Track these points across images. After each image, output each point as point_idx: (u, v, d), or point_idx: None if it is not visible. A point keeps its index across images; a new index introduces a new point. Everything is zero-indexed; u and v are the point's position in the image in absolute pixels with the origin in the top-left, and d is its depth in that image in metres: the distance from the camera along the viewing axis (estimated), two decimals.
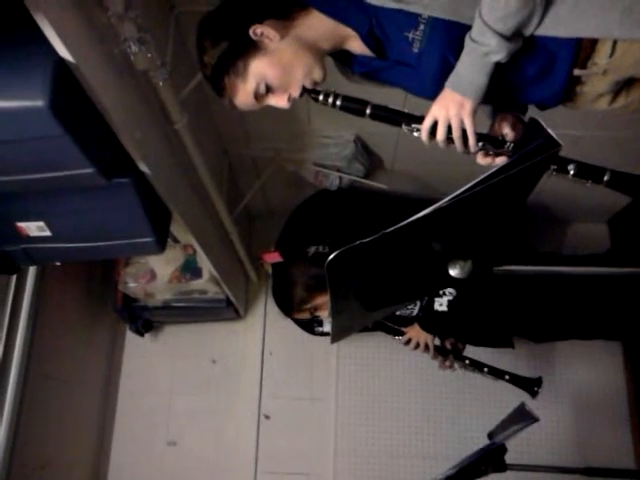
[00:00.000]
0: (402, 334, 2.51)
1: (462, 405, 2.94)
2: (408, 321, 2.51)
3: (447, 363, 2.51)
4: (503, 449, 1.87)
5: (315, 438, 2.98)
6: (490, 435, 2.00)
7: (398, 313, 2.52)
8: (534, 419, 1.87)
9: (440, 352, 2.52)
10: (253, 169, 2.75)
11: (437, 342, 2.50)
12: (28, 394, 2.31)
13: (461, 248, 1.32)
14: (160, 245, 1.84)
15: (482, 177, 1.10)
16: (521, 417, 1.94)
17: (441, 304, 2.34)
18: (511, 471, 1.92)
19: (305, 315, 2.29)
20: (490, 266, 1.39)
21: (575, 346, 2.93)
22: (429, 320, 2.42)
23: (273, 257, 2.51)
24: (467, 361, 2.55)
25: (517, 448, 1.99)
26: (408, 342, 2.50)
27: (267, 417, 3.03)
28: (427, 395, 2.98)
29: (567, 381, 2.98)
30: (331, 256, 1.08)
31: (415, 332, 2.50)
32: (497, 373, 2.57)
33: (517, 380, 2.61)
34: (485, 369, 2.57)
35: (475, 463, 1.82)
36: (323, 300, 2.19)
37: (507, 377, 2.59)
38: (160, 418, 3.06)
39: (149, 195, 1.74)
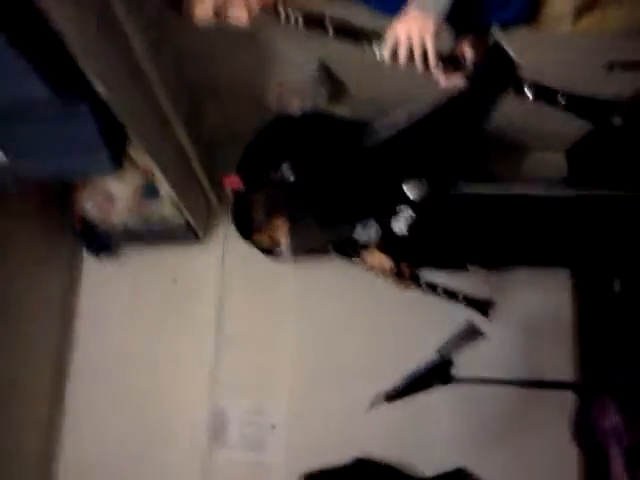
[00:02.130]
0: (361, 257, 2.58)
1: (414, 329, 3.04)
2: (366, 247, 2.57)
3: (403, 284, 2.60)
4: (450, 363, 1.98)
5: (274, 357, 3.07)
6: (439, 351, 2.10)
7: (357, 238, 2.56)
8: (480, 335, 1.98)
9: (397, 274, 2.60)
10: (214, 92, 2.70)
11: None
12: None
13: (419, 168, 1.36)
14: (114, 163, 1.83)
15: (441, 98, 1.12)
16: (468, 333, 2.05)
17: (400, 228, 2.37)
18: (455, 385, 2.05)
19: (264, 239, 2.32)
20: (446, 186, 1.43)
21: (525, 273, 3.00)
22: (388, 243, 2.47)
23: (234, 182, 2.51)
24: (423, 282, 2.64)
25: (463, 364, 2.06)
26: (367, 265, 2.57)
27: (225, 335, 3.10)
28: (380, 318, 3.07)
29: (515, 305, 3.07)
30: (290, 178, 1.09)
31: (375, 257, 2.57)
32: (451, 294, 2.68)
33: (471, 301, 2.71)
34: (439, 290, 2.66)
35: (422, 376, 1.93)
36: (282, 223, 2.22)
37: (461, 298, 2.70)
38: (120, 337, 3.10)
39: (104, 113, 1.72)
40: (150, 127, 2.11)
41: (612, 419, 2.58)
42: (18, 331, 2.63)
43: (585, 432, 2.71)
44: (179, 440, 3.02)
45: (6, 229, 2.46)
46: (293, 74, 2.52)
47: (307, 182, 1.15)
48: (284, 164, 1.97)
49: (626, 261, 2.65)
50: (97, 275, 3.17)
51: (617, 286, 2.77)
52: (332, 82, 2.59)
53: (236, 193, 2.34)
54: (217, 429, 3.01)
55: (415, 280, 2.60)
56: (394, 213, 2.29)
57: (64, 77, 1.47)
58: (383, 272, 2.55)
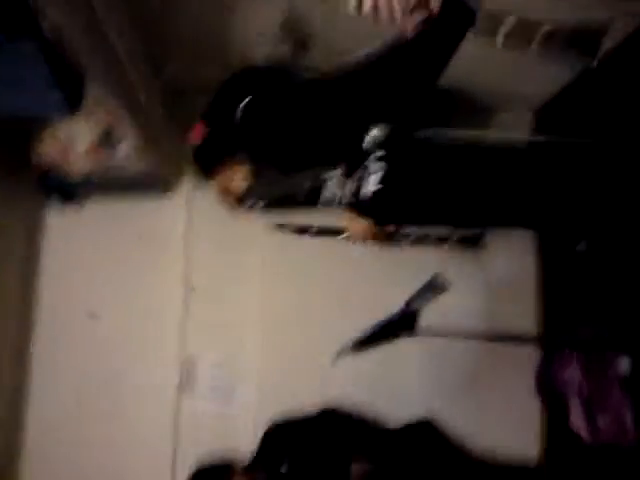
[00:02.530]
0: (343, 232, 2.52)
1: (387, 281, 3.01)
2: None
3: (389, 239, 2.57)
4: (416, 314, 1.98)
5: (242, 310, 3.06)
6: (407, 302, 2.11)
7: (326, 198, 2.49)
8: (447, 287, 1.99)
9: (383, 237, 2.56)
10: (178, 41, 2.61)
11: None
12: None
13: (381, 112, 1.32)
14: (70, 105, 1.76)
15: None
16: (435, 286, 2.05)
17: (371, 183, 2.31)
18: (422, 337, 2.06)
19: (225, 181, 2.26)
20: (409, 132, 1.40)
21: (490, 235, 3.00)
22: (363, 204, 2.41)
23: (199, 131, 2.43)
24: (411, 235, 2.62)
25: (430, 318, 2.07)
26: (351, 237, 2.51)
27: (193, 289, 3.07)
28: (352, 269, 3.05)
29: (481, 262, 3.08)
30: (245, 101, 1.05)
31: (353, 223, 2.48)
32: (442, 239, 2.67)
33: (462, 239, 2.70)
34: (429, 234, 2.65)
35: (389, 326, 1.93)
36: (243, 166, 2.17)
37: (454, 238, 2.69)
38: (83, 291, 3.06)
39: (58, 54, 1.65)
40: (108, 70, 2.03)
41: (572, 372, 2.64)
42: None
43: (546, 384, 2.78)
44: (148, 392, 3.01)
45: None
46: (259, 25, 2.45)
47: (262, 124, 1.10)
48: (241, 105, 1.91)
49: (590, 219, 2.68)
50: (61, 228, 3.09)
51: (582, 246, 2.80)
52: (298, 33, 2.53)
53: (200, 139, 2.27)
54: (186, 381, 3.02)
55: (402, 236, 2.57)
56: (362, 166, 2.24)
57: (8, 13, 1.41)
58: (368, 238, 2.51)
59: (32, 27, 1.51)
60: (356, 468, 2.49)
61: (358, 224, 2.36)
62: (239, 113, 1.04)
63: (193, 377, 3.03)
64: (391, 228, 2.53)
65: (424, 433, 2.76)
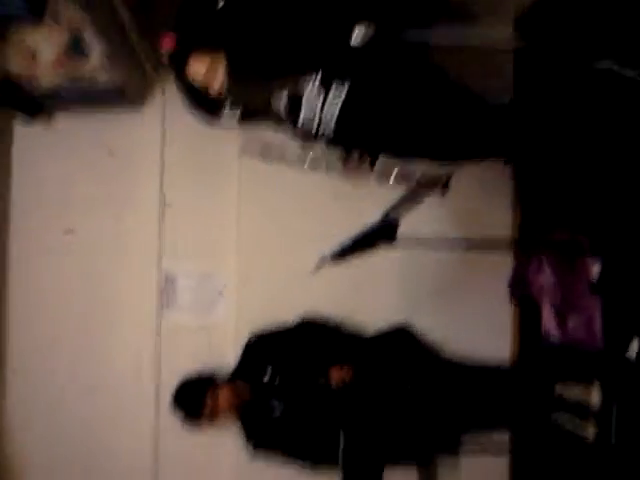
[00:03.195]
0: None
1: (366, 192, 3.02)
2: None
3: (355, 171, 2.57)
4: (395, 223, 1.99)
5: (218, 225, 3.06)
6: (386, 213, 2.11)
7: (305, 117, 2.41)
8: (425, 196, 1.99)
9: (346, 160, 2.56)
10: None
11: None
12: None
13: (364, 10, 1.28)
14: (33, 9, 1.65)
15: None
16: (413, 196, 2.06)
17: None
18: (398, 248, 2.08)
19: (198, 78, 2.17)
20: (393, 30, 1.36)
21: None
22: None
23: (170, 40, 2.33)
24: (375, 168, 2.61)
25: (407, 228, 2.08)
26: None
27: (169, 205, 3.05)
28: (331, 183, 3.02)
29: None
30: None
31: None
32: (406, 177, 2.68)
33: (427, 181, 2.71)
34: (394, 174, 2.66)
35: (368, 235, 1.94)
36: (219, 64, 2.09)
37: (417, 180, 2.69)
38: (57, 208, 3.02)
39: None
40: None
41: (546, 276, 2.72)
42: None
43: (521, 287, 2.86)
44: (128, 308, 3.05)
45: None
46: None
47: (244, 17, 1.06)
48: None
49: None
50: (30, 142, 3.00)
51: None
52: None
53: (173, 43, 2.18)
54: (166, 295, 3.05)
55: (369, 164, 2.56)
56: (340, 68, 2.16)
57: None
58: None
59: None
60: (335, 372, 2.59)
61: None
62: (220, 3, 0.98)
63: (172, 291, 3.05)
64: (355, 156, 2.53)
65: (400, 338, 2.86)
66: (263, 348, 2.78)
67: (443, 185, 2.69)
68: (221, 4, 0.97)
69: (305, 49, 1.35)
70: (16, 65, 2.38)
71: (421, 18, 2.47)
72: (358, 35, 1.25)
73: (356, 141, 2.36)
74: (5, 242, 3.01)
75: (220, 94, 2.14)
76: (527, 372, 2.83)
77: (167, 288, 3.05)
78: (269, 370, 2.63)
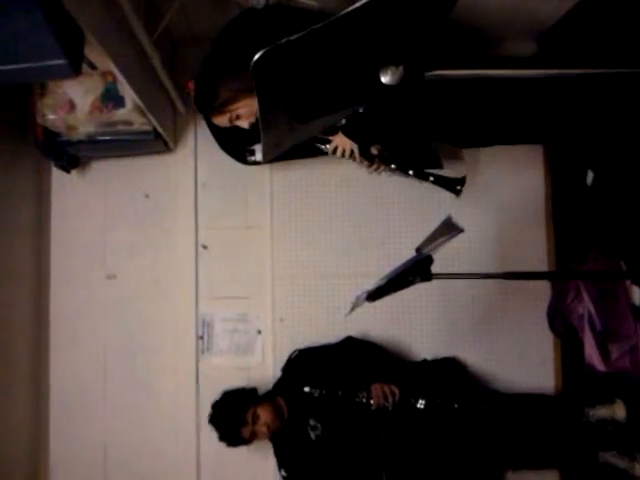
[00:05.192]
0: (329, 142, 2.58)
1: (392, 226, 3.06)
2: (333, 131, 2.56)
3: (374, 166, 2.60)
4: (430, 259, 1.98)
5: (253, 264, 3.07)
6: (418, 249, 2.10)
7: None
8: (459, 230, 1.97)
9: (366, 158, 2.59)
10: None
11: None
12: None
13: (392, 52, 1.29)
14: (73, 68, 1.71)
15: None
16: (447, 229, 2.03)
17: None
18: (437, 280, 2.07)
19: (224, 121, 2.25)
20: (421, 71, 1.37)
21: (498, 151, 2.99)
22: (352, 126, 2.44)
23: (193, 85, 2.40)
24: (393, 165, 2.64)
25: (442, 260, 2.07)
26: (335, 150, 2.57)
27: (205, 247, 3.08)
28: (358, 218, 3.07)
29: (490, 187, 3.09)
30: (257, 55, 1.03)
31: (340, 139, 2.55)
32: (422, 175, 2.69)
33: (441, 180, 2.73)
34: (410, 172, 2.67)
35: (403, 273, 1.92)
36: (245, 104, 2.16)
37: (432, 178, 2.71)
38: (97, 253, 3.07)
39: (58, 13, 1.59)
40: (108, 25, 1.98)
41: (584, 304, 2.66)
42: None
43: (560, 318, 2.80)
44: (169, 353, 3.05)
45: None
46: None
47: (278, 68, 1.08)
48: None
49: (597, 145, 2.66)
50: (67, 191, 3.08)
51: (590, 179, 2.78)
52: None
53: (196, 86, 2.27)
54: (204, 339, 3.05)
55: (385, 162, 2.60)
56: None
57: None
58: (351, 156, 2.55)
59: None
60: (378, 389, 2.56)
61: (345, 141, 2.53)
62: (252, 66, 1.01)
63: (210, 335, 3.05)
64: (374, 151, 2.57)
65: (447, 367, 2.82)
66: (305, 363, 2.76)
67: (455, 190, 2.72)
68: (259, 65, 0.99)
69: (338, 96, 1.37)
70: (53, 115, 2.45)
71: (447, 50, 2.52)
72: (387, 78, 1.26)
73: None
74: (47, 290, 3.05)
75: (250, 130, 2.22)
76: (573, 405, 2.76)
77: (205, 332, 3.05)
78: (310, 382, 2.62)
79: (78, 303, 3.05)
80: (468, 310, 3.01)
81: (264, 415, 2.55)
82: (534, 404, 2.77)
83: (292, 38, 1.02)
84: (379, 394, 2.55)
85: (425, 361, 2.87)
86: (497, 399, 2.74)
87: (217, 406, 2.63)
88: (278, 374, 2.87)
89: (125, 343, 3.05)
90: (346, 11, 1.03)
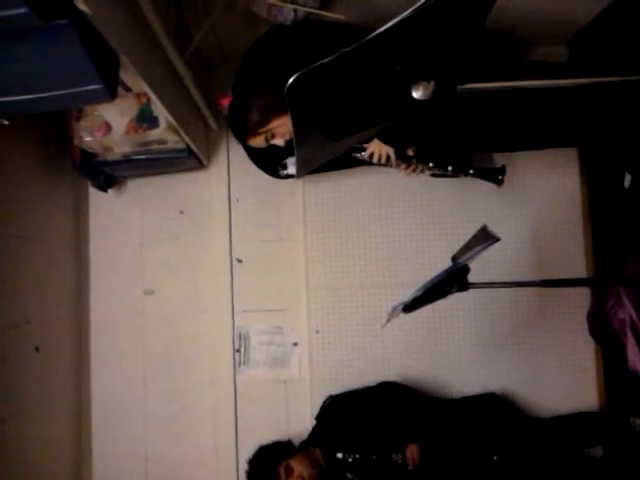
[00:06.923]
0: (364, 150, 2.58)
1: (426, 235, 3.05)
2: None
3: (411, 167, 2.59)
4: (466, 269, 1.96)
5: (287, 276, 3.09)
6: (454, 258, 2.09)
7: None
8: (495, 239, 1.96)
9: (403, 159, 2.59)
10: (202, 7, 2.57)
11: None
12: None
13: (423, 68, 1.29)
14: (109, 92, 1.76)
15: None
16: (483, 238, 2.02)
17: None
18: (474, 289, 2.05)
19: (260, 141, 2.28)
20: (453, 85, 1.37)
21: (532, 155, 2.96)
22: (387, 132, 2.44)
23: (230, 101, 2.44)
24: (431, 163, 2.62)
25: (479, 268, 2.05)
26: (371, 156, 2.57)
27: (239, 261, 3.11)
28: (393, 227, 3.07)
29: (525, 193, 3.06)
30: (291, 79, 1.05)
31: (375, 145, 2.55)
32: (462, 169, 2.66)
33: (481, 172, 2.69)
34: (449, 167, 2.65)
35: (440, 283, 1.91)
36: (279, 123, 2.18)
37: (472, 171, 2.67)
38: (134, 270, 3.12)
39: (93, 38, 1.63)
40: (141, 48, 2.02)
41: (626, 309, 2.60)
42: (35, 273, 2.65)
43: (601, 324, 2.75)
44: (207, 368, 3.09)
45: (6, 166, 2.43)
46: None
47: (310, 90, 1.09)
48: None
49: (635, 147, 2.61)
50: (104, 209, 3.15)
51: (627, 181, 2.73)
52: None
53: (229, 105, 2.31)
54: (241, 353, 3.07)
55: (422, 161, 2.59)
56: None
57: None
58: (388, 160, 2.55)
59: (71, 10, 1.48)
60: (413, 450, 2.52)
61: (380, 146, 2.54)
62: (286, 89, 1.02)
63: (247, 348, 3.07)
64: (410, 152, 2.57)
65: (487, 404, 2.77)
66: (339, 412, 2.74)
67: (497, 180, 2.68)
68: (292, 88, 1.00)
69: (371, 113, 1.38)
70: (89, 137, 2.51)
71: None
72: (418, 93, 1.27)
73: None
74: (87, 306, 3.11)
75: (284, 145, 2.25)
76: (617, 416, 2.70)
77: (241, 345, 3.07)
78: (342, 452, 2.58)
79: (117, 319, 3.10)
80: (506, 319, 2.97)
81: (298, 467, 2.51)
82: (578, 425, 2.72)
83: (324, 61, 1.03)
84: (414, 457, 2.51)
85: (465, 399, 2.82)
86: (538, 432, 2.68)
87: (251, 462, 2.62)
88: (315, 386, 2.88)
89: (164, 357, 3.09)
90: (377, 32, 1.03)
